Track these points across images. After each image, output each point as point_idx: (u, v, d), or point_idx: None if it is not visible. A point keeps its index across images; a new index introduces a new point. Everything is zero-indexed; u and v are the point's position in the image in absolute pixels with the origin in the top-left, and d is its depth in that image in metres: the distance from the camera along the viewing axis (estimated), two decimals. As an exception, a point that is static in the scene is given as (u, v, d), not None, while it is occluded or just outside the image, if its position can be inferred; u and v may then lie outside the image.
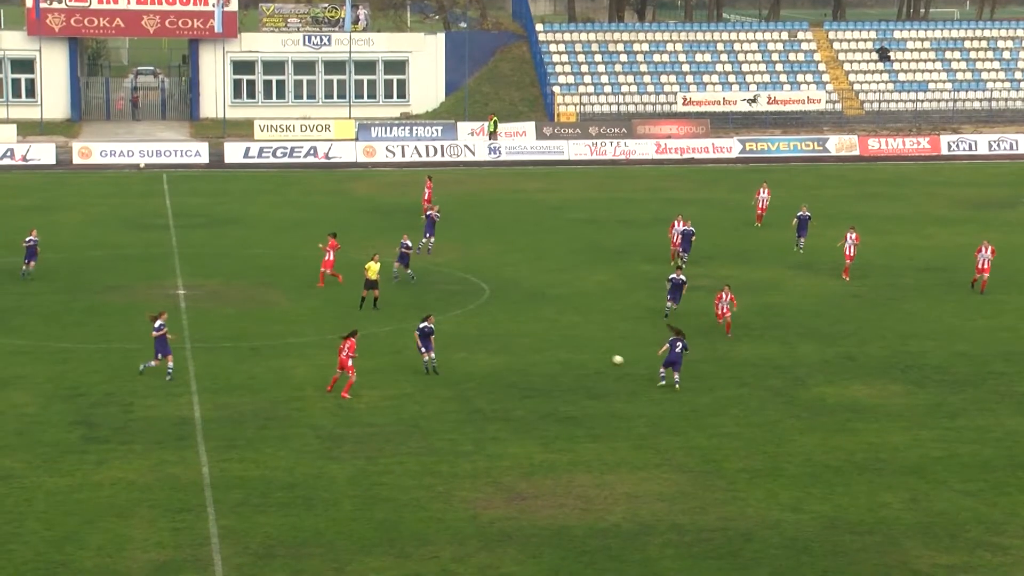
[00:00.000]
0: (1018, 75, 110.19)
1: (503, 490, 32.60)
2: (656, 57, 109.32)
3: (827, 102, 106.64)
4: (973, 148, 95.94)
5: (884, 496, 32.29)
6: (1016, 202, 75.20)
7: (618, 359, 42.31)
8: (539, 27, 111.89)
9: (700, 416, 38.18)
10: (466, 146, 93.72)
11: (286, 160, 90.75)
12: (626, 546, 29.51)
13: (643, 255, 60.14)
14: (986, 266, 52.27)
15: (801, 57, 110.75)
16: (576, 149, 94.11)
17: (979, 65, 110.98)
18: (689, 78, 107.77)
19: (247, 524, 30.43)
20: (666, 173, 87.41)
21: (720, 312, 46.53)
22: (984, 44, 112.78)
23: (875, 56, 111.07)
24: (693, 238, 57.56)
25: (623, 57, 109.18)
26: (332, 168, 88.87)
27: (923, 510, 31.50)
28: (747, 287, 53.66)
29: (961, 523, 30.76)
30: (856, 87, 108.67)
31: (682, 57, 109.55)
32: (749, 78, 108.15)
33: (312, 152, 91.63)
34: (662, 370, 40.84)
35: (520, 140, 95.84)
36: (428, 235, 59.70)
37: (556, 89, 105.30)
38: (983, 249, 52.75)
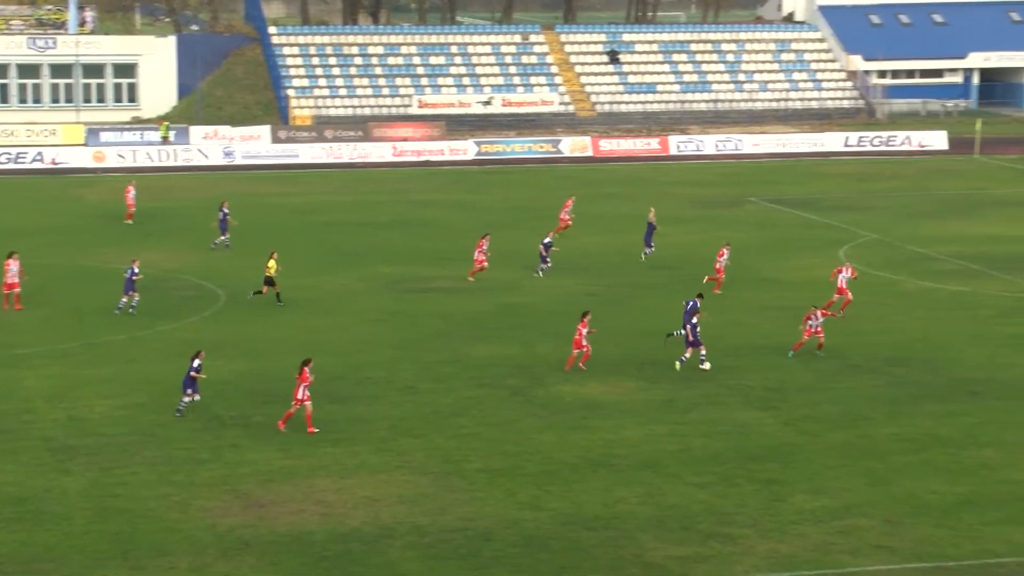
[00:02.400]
0: (741, 77, 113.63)
1: (241, 497, 32.23)
2: (391, 60, 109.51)
3: (560, 104, 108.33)
4: (700, 148, 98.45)
5: (619, 491, 32.91)
6: (742, 201, 77.48)
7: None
8: (272, 30, 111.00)
9: (440, 417, 38.35)
10: (199, 150, 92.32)
11: (11, 166, 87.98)
12: (367, 550, 29.47)
13: (383, 257, 60.15)
14: (844, 286, 50.63)
15: (534, 60, 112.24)
16: (312, 152, 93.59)
17: (704, 68, 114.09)
18: (424, 80, 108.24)
19: (-26, 543, 29.43)
20: (403, 176, 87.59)
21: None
22: (709, 47, 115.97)
23: (605, 59, 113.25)
24: (548, 251, 56.86)
25: (358, 60, 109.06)
26: (60, 174, 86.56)
27: (657, 504, 32.21)
28: (487, 288, 54.12)
29: (693, 515, 31.54)
30: (588, 89, 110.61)
31: (416, 60, 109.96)
32: (483, 80, 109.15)
33: (39, 158, 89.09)
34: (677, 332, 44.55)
35: (255, 144, 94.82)
36: (223, 234, 62.07)
37: (291, 92, 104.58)
38: (844, 270, 51.28)
